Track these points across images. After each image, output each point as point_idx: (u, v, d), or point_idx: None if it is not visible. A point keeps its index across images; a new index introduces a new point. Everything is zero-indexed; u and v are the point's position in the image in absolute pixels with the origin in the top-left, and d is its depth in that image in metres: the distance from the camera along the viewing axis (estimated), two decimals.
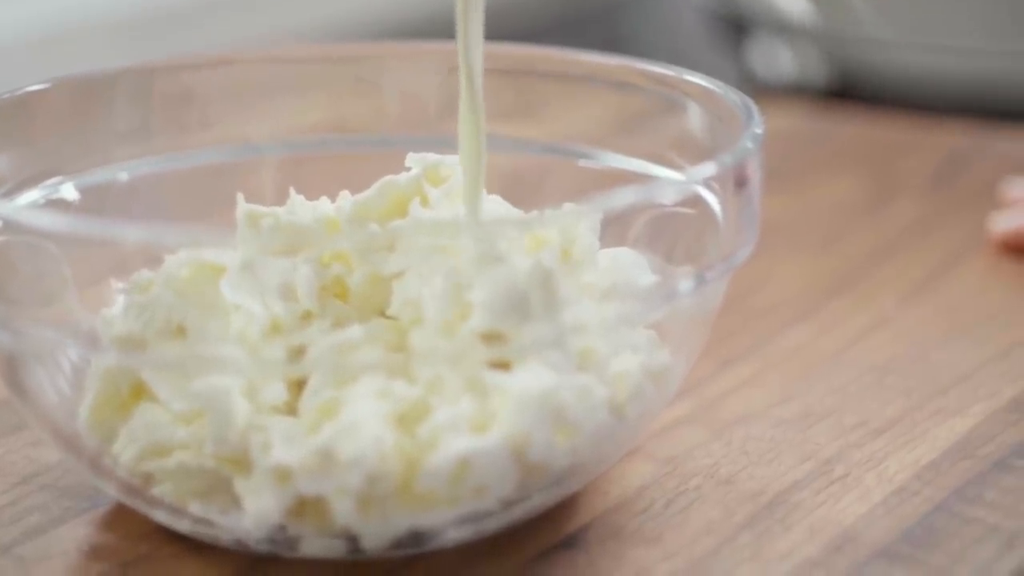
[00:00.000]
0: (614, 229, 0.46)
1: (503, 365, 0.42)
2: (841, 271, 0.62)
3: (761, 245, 0.64)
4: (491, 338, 0.41)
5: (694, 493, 0.45)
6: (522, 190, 0.51)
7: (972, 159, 0.74)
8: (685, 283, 0.43)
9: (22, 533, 0.44)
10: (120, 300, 0.45)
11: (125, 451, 0.42)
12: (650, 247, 0.46)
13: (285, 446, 0.40)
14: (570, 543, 0.43)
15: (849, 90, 0.93)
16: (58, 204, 0.47)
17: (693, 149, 0.48)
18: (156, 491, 0.42)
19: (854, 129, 0.79)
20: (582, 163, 0.51)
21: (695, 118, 0.48)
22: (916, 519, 0.44)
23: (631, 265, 0.46)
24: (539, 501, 0.42)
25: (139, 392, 0.43)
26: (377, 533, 0.40)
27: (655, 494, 0.46)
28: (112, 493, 0.43)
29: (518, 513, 0.42)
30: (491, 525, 0.42)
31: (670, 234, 0.46)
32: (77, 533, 0.44)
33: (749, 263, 0.62)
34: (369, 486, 0.39)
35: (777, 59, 0.97)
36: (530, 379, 0.40)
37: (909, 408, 0.50)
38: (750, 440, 0.48)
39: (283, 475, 0.40)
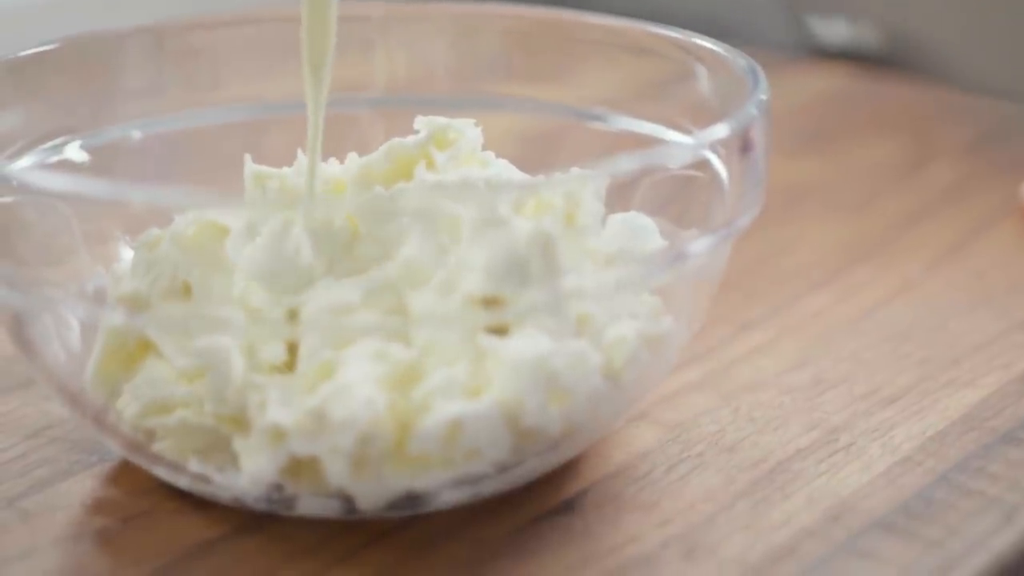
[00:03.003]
0: (620, 192, 0.46)
1: (501, 330, 0.42)
2: (870, 236, 0.61)
3: (793, 208, 0.64)
4: (490, 302, 0.41)
5: (696, 460, 0.45)
6: (535, 152, 0.51)
7: (1013, 129, 0.72)
8: (686, 249, 0.42)
9: (29, 486, 0.44)
10: (130, 256, 0.46)
11: (128, 407, 0.43)
12: (657, 211, 0.46)
13: (280, 406, 0.40)
14: (568, 508, 0.43)
15: (902, 56, 0.91)
16: (70, 162, 0.48)
17: (705, 113, 0.48)
18: (157, 447, 0.42)
19: (898, 93, 0.78)
20: (595, 125, 0.50)
21: (706, 82, 0.48)
22: (916, 490, 0.43)
23: (640, 230, 0.46)
24: (535, 465, 0.42)
25: (145, 347, 0.44)
26: (372, 494, 0.41)
27: (657, 460, 0.45)
28: (116, 449, 0.44)
29: (515, 477, 0.42)
30: (488, 488, 0.42)
31: (676, 198, 0.46)
32: (82, 487, 0.44)
33: (778, 226, 0.62)
34: (361, 447, 0.40)
35: (834, 22, 0.96)
36: (524, 344, 0.40)
37: (922, 377, 0.49)
38: (758, 407, 0.48)
39: (277, 435, 0.40)
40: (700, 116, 0.48)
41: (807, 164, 0.69)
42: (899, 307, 0.55)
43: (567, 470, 0.45)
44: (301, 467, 0.41)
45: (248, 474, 0.41)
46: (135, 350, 0.44)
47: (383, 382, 0.40)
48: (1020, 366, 0.50)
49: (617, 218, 0.46)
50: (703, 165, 0.45)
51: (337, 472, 0.40)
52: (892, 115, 0.75)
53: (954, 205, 0.64)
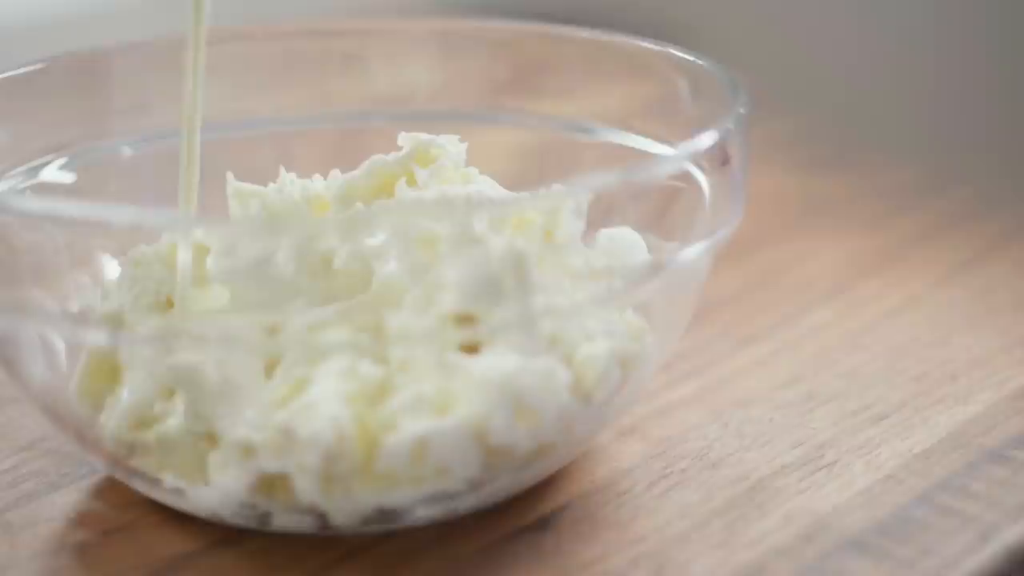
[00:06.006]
0: (607, 207, 0.46)
1: (475, 347, 0.42)
2: (881, 253, 0.60)
3: (806, 224, 0.64)
4: (463, 320, 0.41)
5: (678, 476, 0.45)
6: (532, 166, 0.51)
7: None
8: (661, 263, 0.42)
9: (16, 499, 0.45)
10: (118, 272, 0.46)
11: (110, 421, 0.43)
12: (647, 225, 0.46)
13: (250, 422, 0.41)
14: (543, 525, 0.43)
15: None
16: (61, 180, 0.48)
17: (692, 127, 0.47)
18: (136, 462, 0.43)
19: (919, 115, 0.77)
20: (579, 138, 0.50)
21: (694, 96, 0.47)
22: (894, 509, 0.43)
23: (627, 245, 0.46)
24: (509, 482, 0.42)
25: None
26: (344, 510, 0.41)
27: (639, 476, 0.45)
28: (98, 464, 0.45)
29: (489, 494, 0.42)
30: (463, 504, 0.42)
31: (663, 211, 0.46)
32: (68, 500, 0.45)
33: (789, 242, 0.62)
34: (328, 464, 0.40)
35: None
36: (493, 362, 0.40)
37: (916, 393, 0.49)
38: (748, 423, 0.48)
39: (247, 451, 0.40)
40: (687, 130, 0.47)
41: (825, 181, 0.68)
42: (901, 323, 0.54)
43: (547, 486, 0.45)
44: (274, 483, 0.41)
45: (220, 490, 0.41)
46: (120, 363, 0.44)
47: (351, 399, 0.40)
48: (1016, 383, 0.49)
49: (605, 233, 0.46)
50: (686, 178, 0.45)
51: (306, 488, 0.40)
52: (913, 135, 0.75)
53: (969, 225, 0.63)
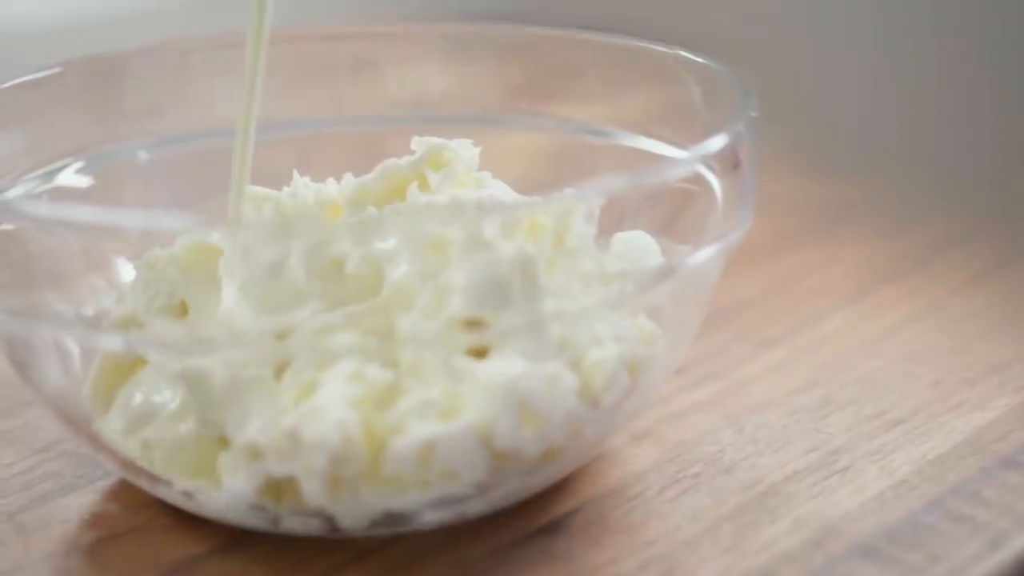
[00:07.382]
0: (620, 210, 0.46)
1: (484, 351, 0.42)
2: (903, 258, 0.60)
3: (829, 228, 0.64)
4: (472, 324, 0.41)
5: (691, 480, 0.45)
6: (554, 170, 0.51)
7: None
8: (668, 269, 0.42)
9: (30, 500, 0.45)
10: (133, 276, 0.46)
11: (118, 422, 0.43)
12: (651, 227, 0.46)
13: (259, 425, 0.41)
14: (553, 529, 0.43)
15: None
16: (76, 184, 0.49)
17: (705, 130, 0.47)
18: (146, 465, 0.43)
19: (943, 118, 0.77)
20: (593, 141, 0.50)
21: (705, 99, 0.47)
22: (905, 515, 0.42)
23: (641, 249, 0.46)
24: (518, 486, 0.42)
25: (143, 361, 0.44)
26: (351, 513, 0.41)
27: (652, 480, 0.45)
28: (110, 466, 0.45)
29: (498, 498, 0.42)
30: (473, 508, 0.42)
31: (677, 215, 0.46)
32: (82, 501, 0.45)
33: (811, 246, 0.62)
34: (335, 468, 0.40)
35: None
36: (499, 367, 0.40)
37: (932, 399, 0.49)
38: (762, 428, 0.48)
39: (255, 454, 0.41)
40: (701, 133, 0.47)
41: (845, 186, 0.68)
42: (919, 329, 0.54)
43: (558, 490, 0.45)
44: (282, 486, 0.41)
45: (229, 492, 0.41)
46: (134, 363, 0.44)
47: (358, 403, 0.40)
48: None
49: (620, 237, 0.46)
50: (698, 181, 0.45)
51: (314, 492, 0.40)
52: (935, 141, 0.74)
53: (989, 233, 0.62)
